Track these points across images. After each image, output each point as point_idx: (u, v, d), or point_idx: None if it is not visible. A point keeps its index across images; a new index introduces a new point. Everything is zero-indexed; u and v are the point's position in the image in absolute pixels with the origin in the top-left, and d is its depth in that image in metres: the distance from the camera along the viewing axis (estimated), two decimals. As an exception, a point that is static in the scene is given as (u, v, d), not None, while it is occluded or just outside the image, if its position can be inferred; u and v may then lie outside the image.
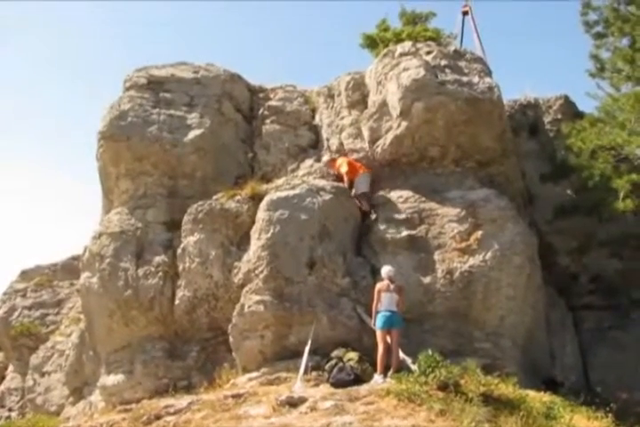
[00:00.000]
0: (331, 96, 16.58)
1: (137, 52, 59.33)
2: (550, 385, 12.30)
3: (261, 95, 17.34)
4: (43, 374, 17.80)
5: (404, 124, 13.88)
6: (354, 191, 13.93)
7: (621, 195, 13.57)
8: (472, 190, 13.63)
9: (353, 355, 11.34)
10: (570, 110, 17.44)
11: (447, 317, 12.61)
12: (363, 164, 14.38)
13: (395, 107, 14.10)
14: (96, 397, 14.69)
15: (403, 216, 13.40)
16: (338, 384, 10.74)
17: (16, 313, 20.56)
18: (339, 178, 14.33)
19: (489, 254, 12.72)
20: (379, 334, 11.23)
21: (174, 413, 10.64)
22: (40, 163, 62.29)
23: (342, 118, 15.70)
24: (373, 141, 14.46)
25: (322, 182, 13.86)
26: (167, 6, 59.27)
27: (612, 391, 12.61)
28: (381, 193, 13.94)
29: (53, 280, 21.69)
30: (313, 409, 9.47)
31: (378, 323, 11.31)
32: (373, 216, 13.63)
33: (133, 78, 16.44)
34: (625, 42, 14.50)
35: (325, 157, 15.16)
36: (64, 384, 16.57)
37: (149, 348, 13.80)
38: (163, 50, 56.63)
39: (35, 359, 18.23)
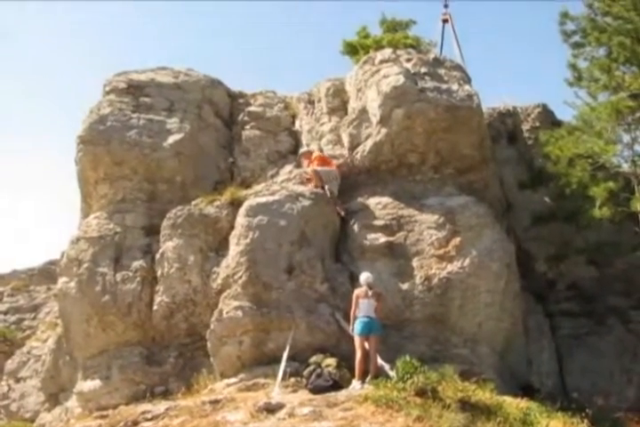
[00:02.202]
0: (311, 102, 16.64)
1: (117, 57, 59.12)
2: (527, 391, 12.33)
3: (241, 101, 17.38)
4: (18, 380, 17.65)
5: (384, 130, 13.92)
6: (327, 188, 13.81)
7: (598, 203, 13.73)
8: (451, 197, 13.68)
9: (331, 361, 11.33)
10: (548, 119, 17.65)
11: (425, 323, 12.63)
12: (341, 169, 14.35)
13: (374, 113, 14.15)
14: (72, 403, 14.56)
15: (381, 223, 13.41)
16: (316, 390, 10.72)
17: (-8, 318, 20.40)
18: (309, 178, 14.22)
19: (467, 261, 12.77)
20: (357, 340, 11.21)
21: (151, 419, 10.54)
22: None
23: (322, 124, 15.75)
24: (353, 148, 14.49)
25: (301, 188, 13.84)
26: (146, 10, 59.14)
27: (588, 397, 12.77)
28: (360, 199, 13.95)
29: (30, 285, 21.56)
30: (291, 415, 9.44)
31: (356, 329, 11.30)
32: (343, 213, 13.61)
33: (113, 83, 16.39)
34: (602, 52, 14.70)
35: (302, 149, 15.12)
36: (40, 390, 16.42)
37: (127, 353, 13.72)
38: (142, 55, 56.53)
39: (10, 365, 18.07)
